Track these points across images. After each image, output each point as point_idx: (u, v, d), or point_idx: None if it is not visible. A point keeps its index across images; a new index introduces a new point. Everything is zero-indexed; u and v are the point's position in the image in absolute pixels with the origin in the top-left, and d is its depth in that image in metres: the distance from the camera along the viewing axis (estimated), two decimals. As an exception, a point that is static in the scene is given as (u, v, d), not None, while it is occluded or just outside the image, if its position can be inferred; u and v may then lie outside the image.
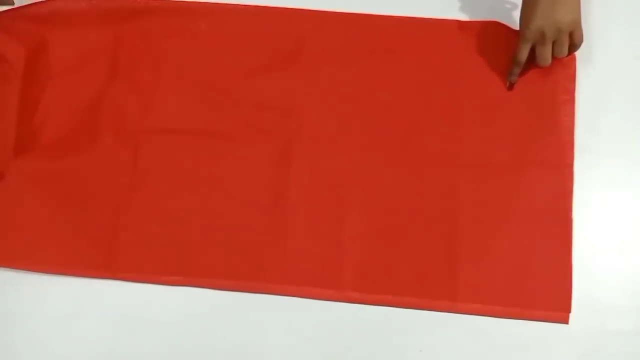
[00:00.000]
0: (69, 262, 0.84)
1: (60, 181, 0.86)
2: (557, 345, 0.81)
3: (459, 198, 0.84)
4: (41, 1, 0.90)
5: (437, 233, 0.83)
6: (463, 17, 0.91)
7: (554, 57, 0.83)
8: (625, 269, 0.83)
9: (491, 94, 0.87)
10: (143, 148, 0.87)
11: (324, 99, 0.88)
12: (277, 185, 0.85)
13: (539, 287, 0.81)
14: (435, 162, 0.85)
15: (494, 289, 0.82)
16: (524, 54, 0.83)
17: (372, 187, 0.85)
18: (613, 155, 0.86)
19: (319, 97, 0.88)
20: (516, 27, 0.86)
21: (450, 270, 0.82)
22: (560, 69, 0.87)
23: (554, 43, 0.82)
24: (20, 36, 0.89)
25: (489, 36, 0.89)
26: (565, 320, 0.81)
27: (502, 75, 0.88)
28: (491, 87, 0.87)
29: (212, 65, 0.90)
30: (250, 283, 0.83)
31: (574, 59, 0.87)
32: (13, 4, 0.91)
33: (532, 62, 0.85)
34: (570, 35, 0.82)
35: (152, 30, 0.91)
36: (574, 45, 0.83)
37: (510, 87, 0.87)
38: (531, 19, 0.80)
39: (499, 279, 0.82)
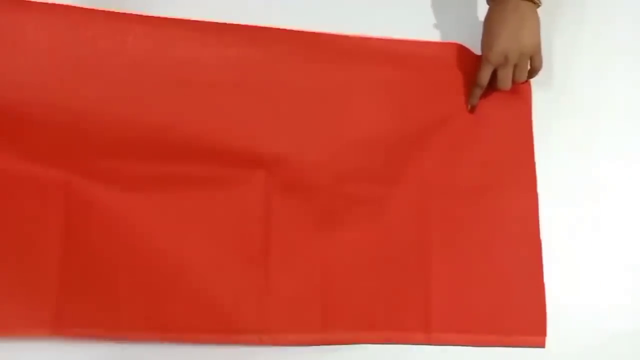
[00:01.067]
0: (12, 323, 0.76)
1: None
2: (557, 345, 0.80)
3: (428, 225, 0.83)
4: None
5: (409, 264, 0.81)
6: (425, 37, 0.89)
7: (513, 81, 0.83)
8: (625, 268, 0.83)
9: (454, 118, 0.86)
10: (100, 191, 0.79)
11: (288, 131, 0.82)
12: (247, 229, 0.80)
13: (514, 312, 0.81)
14: (403, 191, 0.83)
15: (469, 317, 0.80)
16: (485, 77, 0.83)
17: (341, 220, 0.82)
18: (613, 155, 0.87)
19: (283, 130, 0.82)
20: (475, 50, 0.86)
21: (424, 300, 0.80)
22: (518, 94, 0.86)
23: (515, 67, 0.81)
24: None
25: (449, 58, 0.87)
26: (541, 344, 0.80)
27: (464, 98, 0.86)
28: (453, 110, 0.86)
29: (169, 103, 0.82)
30: (227, 336, 0.78)
31: (529, 85, 0.87)
32: None
33: (492, 87, 0.85)
34: (531, 59, 0.82)
35: None
36: (533, 70, 0.83)
37: (472, 109, 0.86)
38: (495, 42, 0.80)
39: (473, 306, 0.81)
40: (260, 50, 0.83)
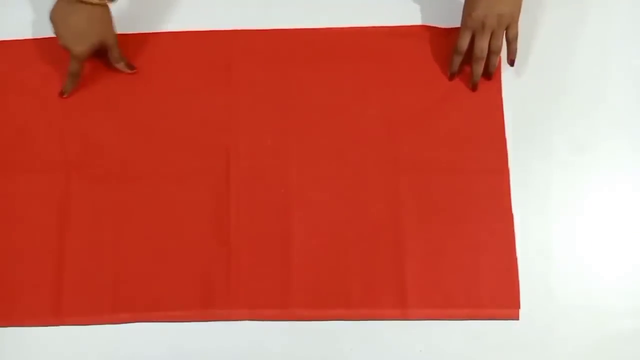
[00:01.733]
0: (14, 313, 0.83)
1: None
2: (557, 345, 0.81)
3: (402, 204, 0.85)
4: None
5: (383, 241, 0.84)
6: (401, 22, 0.92)
7: (489, 52, 0.86)
8: (625, 268, 0.83)
9: (425, 99, 0.88)
10: (76, 182, 0.86)
11: (258, 117, 0.88)
12: (218, 209, 0.85)
13: (487, 286, 0.82)
14: (376, 169, 0.86)
15: (443, 292, 0.82)
16: (464, 43, 0.86)
17: (314, 200, 0.85)
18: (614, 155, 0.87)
19: (253, 115, 0.88)
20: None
21: (399, 277, 0.82)
22: (488, 82, 0.89)
23: (492, 35, 0.84)
24: None
25: (420, 40, 0.91)
26: (515, 317, 0.81)
27: (435, 80, 0.89)
28: (425, 92, 0.89)
29: (144, 92, 0.90)
30: (199, 312, 0.82)
31: (499, 71, 0.89)
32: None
33: (467, 64, 0.88)
34: (507, 30, 0.85)
35: None
36: (509, 41, 0.86)
37: (452, 77, 0.89)
38: (474, 8, 0.83)
39: (447, 282, 0.82)
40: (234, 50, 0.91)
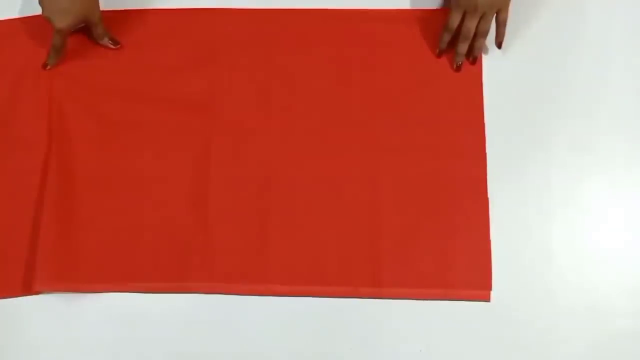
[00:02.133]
0: None
1: None
2: (557, 346, 0.81)
3: (379, 184, 0.86)
4: None
5: (359, 220, 0.85)
6: (389, 5, 0.93)
7: (476, 34, 0.87)
8: (625, 268, 0.84)
9: (407, 83, 0.90)
10: (55, 152, 0.87)
11: (241, 94, 0.89)
12: (198, 183, 0.86)
13: (460, 268, 0.83)
14: (355, 149, 0.87)
15: (417, 272, 0.83)
16: (455, 21, 0.87)
17: (293, 178, 0.86)
18: (613, 156, 0.88)
19: (237, 92, 0.89)
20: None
21: (374, 256, 0.84)
22: (469, 67, 0.90)
23: (481, 17, 0.86)
24: None
25: (406, 24, 0.92)
26: (487, 298, 0.82)
27: (418, 64, 0.90)
28: (407, 76, 0.90)
29: (128, 68, 0.91)
30: (176, 284, 0.83)
31: (480, 58, 0.90)
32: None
33: (449, 53, 0.90)
34: (497, 13, 0.86)
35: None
36: (498, 23, 0.87)
37: (440, 54, 0.90)
38: None
39: (422, 262, 0.84)
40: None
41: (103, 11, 0.90)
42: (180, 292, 0.83)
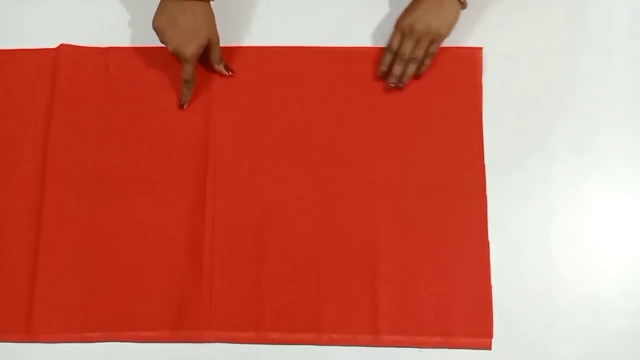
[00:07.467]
0: None
1: None
2: (557, 346, 0.81)
3: (377, 227, 0.84)
4: None
5: (356, 265, 0.83)
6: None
7: (409, 59, 0.86)
8: (625, 268, 0.84)
9: (404, 120, 0.88)
10: (49, 198, 0.86)
11: (236, 137, 0.88)
12: (193, 229, 0.85)
13: (460, 314, 0.81)
14: (351, 191, 0.86)
15: (416, 319, 0.82)
16: (394, 42, 0.87)
17: (289, 222, 0.85)
18: (613, 156, 0.87)
19: (231, 135, 0.88)
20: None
21: (372, 302, 0.82)
22: (469, 97, 0.88)
23: (416, 43, 0.86)
24: None
25: None
26: (487, 346, 0.81)
27: (413, 101, 0.88)
28: (403, 113, 0.88)
29: (119, 109, 0.89)
30: (170, 332, 0.82)
31: (480, 90, 0.88)
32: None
33: (440, 90, 0.88)
34: (430, 44, 0.86)
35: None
36: (425, 54, 0.87)
37: (382, 75, 0.89)
38: (409, 14, 0.86)
39: (420, 308, 0.82)
40: None
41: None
42: (175, 341, 0.82)
